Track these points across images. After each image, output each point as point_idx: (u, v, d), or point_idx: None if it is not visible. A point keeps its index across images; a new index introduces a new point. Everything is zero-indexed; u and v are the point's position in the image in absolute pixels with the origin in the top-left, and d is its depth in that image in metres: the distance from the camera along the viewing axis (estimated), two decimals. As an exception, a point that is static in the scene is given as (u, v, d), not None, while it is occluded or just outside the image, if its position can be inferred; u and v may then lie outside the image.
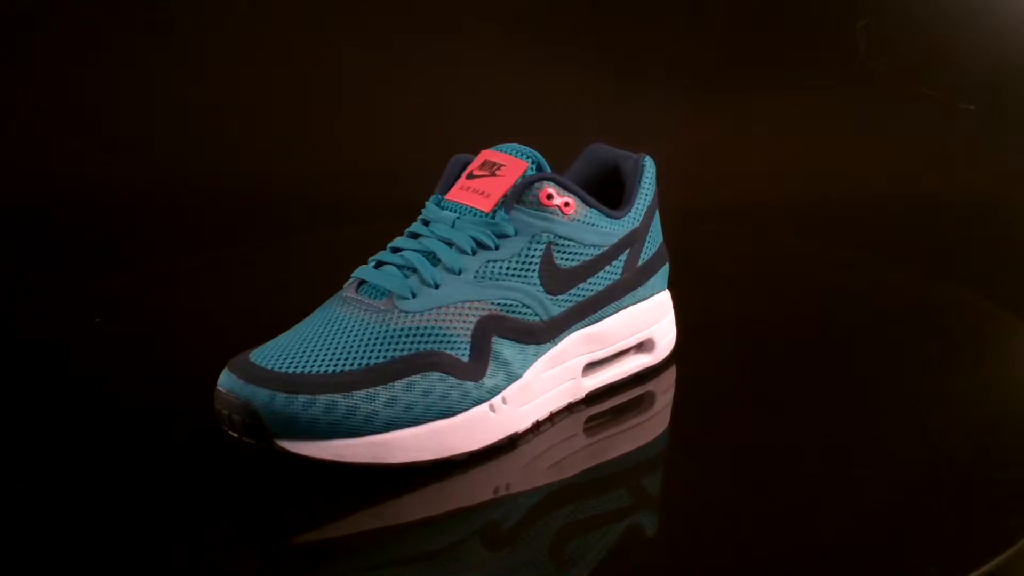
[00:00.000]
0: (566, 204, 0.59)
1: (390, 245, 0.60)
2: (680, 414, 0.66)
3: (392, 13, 1.20)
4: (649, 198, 0.65)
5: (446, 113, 1.18)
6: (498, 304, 0.57)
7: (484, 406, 0.57)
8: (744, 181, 1.23)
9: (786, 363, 0.72)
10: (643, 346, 0.66)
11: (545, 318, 0.59)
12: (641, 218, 0.64)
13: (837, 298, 0.85)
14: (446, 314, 0.56)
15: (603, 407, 0.64)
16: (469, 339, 0.56)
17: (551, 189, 0.59)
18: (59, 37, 1.12)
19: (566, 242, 0.59)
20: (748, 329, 0.77)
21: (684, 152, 1.17)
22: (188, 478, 0.56)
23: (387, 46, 1.18)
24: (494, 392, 0.57)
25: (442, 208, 0.60)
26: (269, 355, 0.54)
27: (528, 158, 0.60)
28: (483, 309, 0.57)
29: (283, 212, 1.10)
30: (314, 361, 0.54)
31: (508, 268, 0.58)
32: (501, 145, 0.61)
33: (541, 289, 0.59)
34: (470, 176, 0.61)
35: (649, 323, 0.66)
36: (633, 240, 0.63)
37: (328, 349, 0.54)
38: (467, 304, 0.57)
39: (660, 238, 0.67)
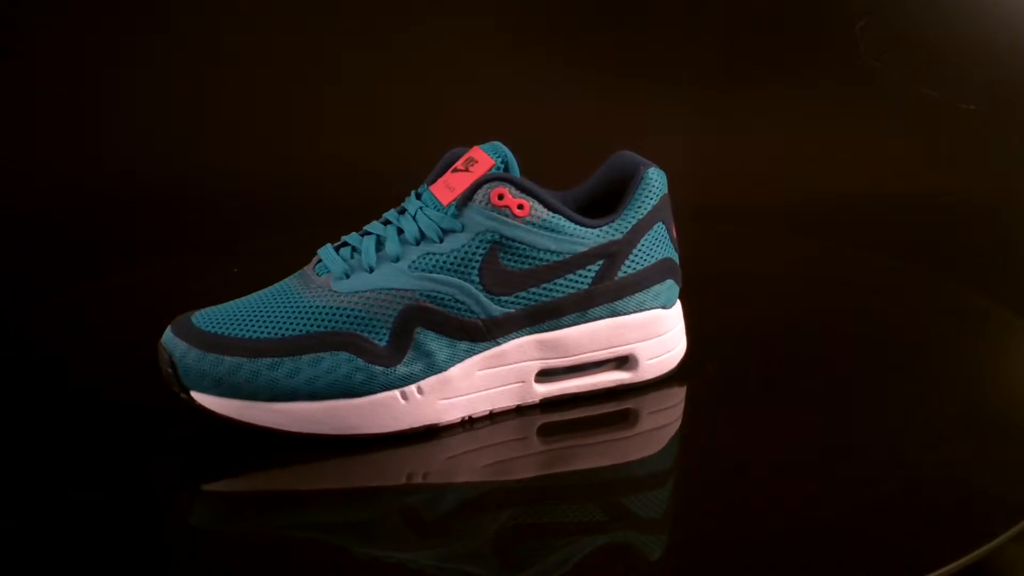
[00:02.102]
0: (520, 206, 0.59)
1: (364, 228, 0.62)
2: (658, 436, 0.64)
3: (394, 13, 1.21)
4: (643, 211, 0.62)
5: (448, 114, 1.19)
6: (428, 296, 0.58)
7: (394, 392, 0.58)
8: (743, 181, 1.22)
9: (783, 370, 0.70)
10: (623, 362, 0.64)
11: (483, 316, 0.59)
12: (627, 230, 0.61)
13: (836, 299, 0.84)
14: (371, 298, 0.58)
15: (566, 417, 0.63)
16: (390, 325, 0.58)
17: (504, 190, 0.59)
18: (45, 36, 1.15)
19: (516, 244, 0.59)
20: (748, 337, 0.75)
21: (684, 152, 1.17)
22: (138, 438, 0.61)
23: (388, 45, 1.18)
24: (407, 380, 0.58)
25: (418, 198, 0.62)
26: (207, 316, 0.59)
27: (498, 157, 0.60)
28: (410, 299, 0.58)
29: (284, 210, 1.13)
30: (239, 325, 0.58)
31: (445, 262, 0.59)
32: (488, 143, 0.62)
33: (481, 287, 0.59)
34: (454, 170, 0.62)
35: (630, 340, 0.63)
36: (611, 252, 0.61)
37: (256, 316, 0.58)
38: (394, 291, 0.58)
39: (663, 254, 0.63)
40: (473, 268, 0.59)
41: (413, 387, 0.58)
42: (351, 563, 0.51)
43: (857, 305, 0.83)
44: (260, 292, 0.61)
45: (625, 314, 0.63)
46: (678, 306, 0.66)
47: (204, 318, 0.59)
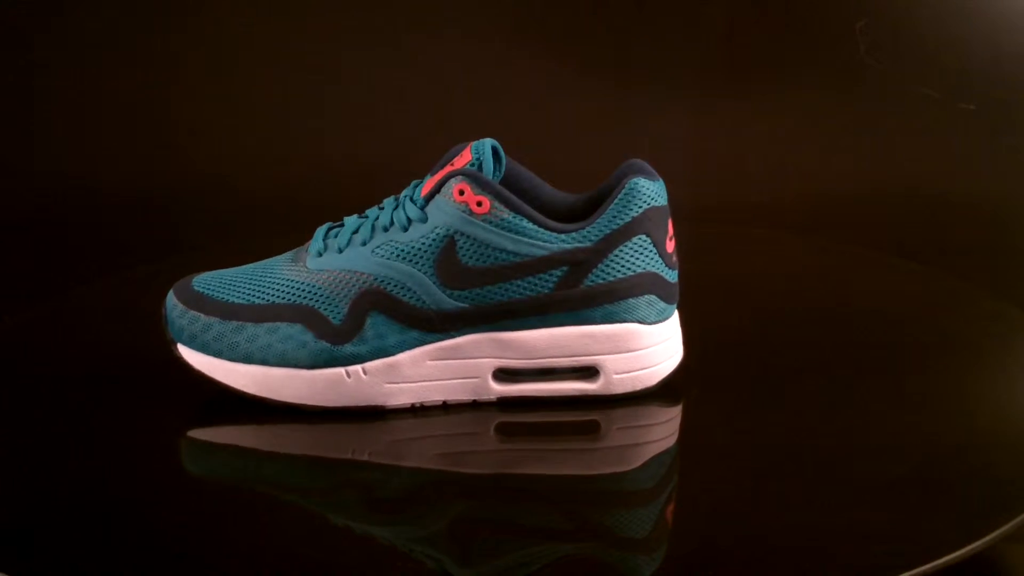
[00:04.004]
0: (479, 203, 0.59)
1: (365, 211, 0.65)
2: (623, 452, 0.62)
3: (394, 12, 1.19)
4: (621, 221, 0.60)
5: (449, 114, 1.18)
6: (382, 281, 0.60)
7: (339, 369, 0.61)
8: (743, 181, 1.19)
9: (781, 373, 0.69)
10: (590, 373, 0.62)
11: (434, 308, 0.60)
12: (598, 239, 0.60)
13: (837, 299, 0.84)
14: (333, 277, 0.61)
15: (526, 419, 0.63)
16: (347, 305, 0.61)
17: (465, 185, 0.60)
18: (46, 37, 1.17)
19: (472, 241, 0.60)
20: (746, 339, 0.74)
21: (684, 152, 1.17)
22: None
23: (388, 45, 1.16)
24: (353, 360, 0.61)
25: (414, 187, 0.64)
26: (205, 278, 0.65)
27: (476, 154, 0.61)
28: (367, 282, 0.61)
29: (285, 211, 1.11)
30: (223, 289, 0.63)
31: (403, 250, 0.60)
32: (480, 140, 0.63)
33: (435, 279, 0.60)
34: (451, 164, 0.63)
35: (596, 350, 0.62)
36: (577, 259, 0.60)
37: (240, 282, 0.63)
38: (354, 273, 0.61)
39: (644, 267, 0.61)
40: (428, 259, 0.60)
41: (358, 367, 0.61)
42: (330, 530, 0.54)
43: (857, 305, 0.82)
44: (258, 262, 0.66)
45: (592, 324, 0.61)
46: (667, 324, 0.64)
47: (202, 279, 0.65)
